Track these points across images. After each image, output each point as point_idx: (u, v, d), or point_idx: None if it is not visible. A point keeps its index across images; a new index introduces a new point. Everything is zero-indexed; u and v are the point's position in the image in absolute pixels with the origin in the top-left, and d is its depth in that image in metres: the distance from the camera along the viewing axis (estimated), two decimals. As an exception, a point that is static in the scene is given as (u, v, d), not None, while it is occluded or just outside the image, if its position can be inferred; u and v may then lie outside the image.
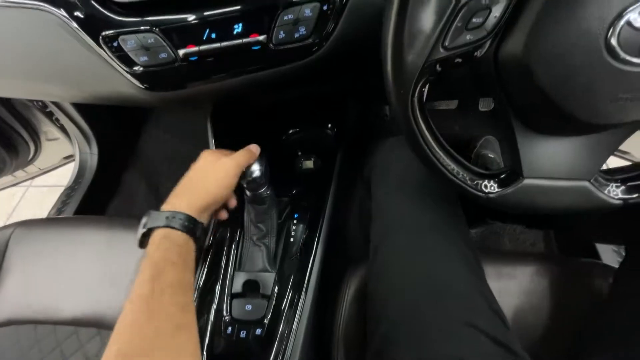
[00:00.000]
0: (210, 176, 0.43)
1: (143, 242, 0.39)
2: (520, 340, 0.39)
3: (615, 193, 0.34)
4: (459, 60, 0.28)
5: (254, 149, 0.49)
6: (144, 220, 0.39)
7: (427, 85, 0.31)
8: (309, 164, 0.71)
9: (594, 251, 0.75)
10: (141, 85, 0.43)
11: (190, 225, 0.38)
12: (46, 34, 0.41)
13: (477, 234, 0.97)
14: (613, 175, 0.35)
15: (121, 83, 0.43)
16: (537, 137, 0.33)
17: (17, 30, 0.41)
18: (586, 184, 0.34)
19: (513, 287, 0.50)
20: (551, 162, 0.34)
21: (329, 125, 0.75)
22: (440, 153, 0.34)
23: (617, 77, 0.26)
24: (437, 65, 0.29)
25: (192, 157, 0.47)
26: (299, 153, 0.72)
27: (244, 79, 0.45)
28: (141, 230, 0.38)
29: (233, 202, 0.49)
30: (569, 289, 0.50)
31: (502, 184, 0.35)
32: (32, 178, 1.15)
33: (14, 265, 0.60)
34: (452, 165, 0.35)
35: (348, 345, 0.48)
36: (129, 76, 0.42)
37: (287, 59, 0.44)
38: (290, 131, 0.75)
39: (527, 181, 0.34)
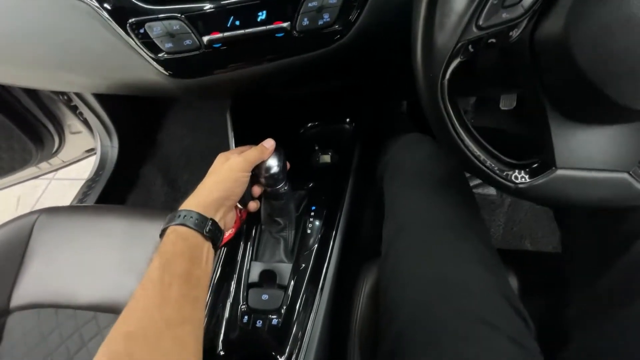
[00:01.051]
0: (218, 174, 0.45)
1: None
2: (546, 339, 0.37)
3: None
4: (493, 40, 0.27)
5: (268, 144, 0.49)
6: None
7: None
8: (326, 158, 0.70)
9: None
10: (165, 72, 0.44)
11: (198, 221, 0.39)
12: (74, 21, 0.41)
13: (497, 236, 0.95)
14: None
15: (146, 70, 0.44)
16: (572, 125, 0.32)
17: (45, 18, 0.42)
18: (625, 175, 0.32)
19: (537, 285, 0.48)
20: (587, 152, 0.32)
21: (347, 120, 0.74)
22: (468, 140, 0.33)
23: None
24: (470, 46, 0.28)
25: (209, 152, 0.47)
26: (317, 147, 0.71)
27: (266, 66, 0.45)
28: (159, 232, 0.40)
29: (255, 191, 0.51)
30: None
31: (533, 174, 0.33)
32: (56, 170, 1.19)
33: (38, 250, 0.61)
34: (480, 154, 0.33)
35: (363, 340, 0.47)
36: (154, 63, 0.43)
37: (310, 47, 0.44)
38: (309, 125, 0.75)
39: (560, 172, 0.32)
